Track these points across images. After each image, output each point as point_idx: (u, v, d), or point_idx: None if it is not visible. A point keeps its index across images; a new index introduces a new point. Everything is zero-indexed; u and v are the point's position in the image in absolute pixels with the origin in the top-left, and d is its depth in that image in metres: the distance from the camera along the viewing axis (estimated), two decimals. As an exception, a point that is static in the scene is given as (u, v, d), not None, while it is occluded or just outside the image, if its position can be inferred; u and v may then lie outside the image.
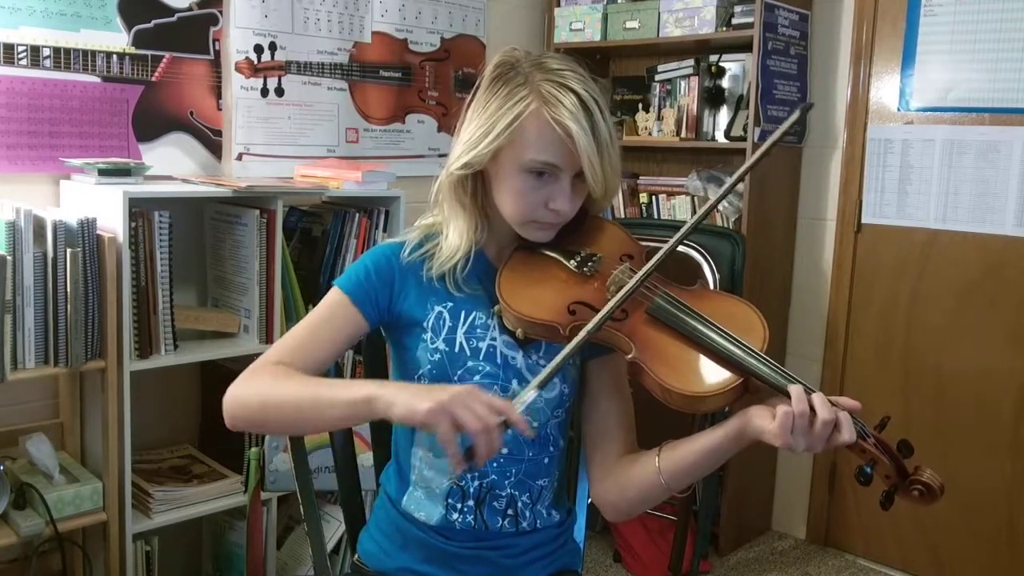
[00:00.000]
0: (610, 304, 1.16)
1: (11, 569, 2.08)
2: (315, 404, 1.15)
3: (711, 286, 2.59)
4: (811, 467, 3.12)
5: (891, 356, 2.91)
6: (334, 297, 1.28)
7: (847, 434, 1.08)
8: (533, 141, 1.19)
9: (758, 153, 1.23)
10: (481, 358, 1.27)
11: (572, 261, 1.28)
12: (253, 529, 2.27)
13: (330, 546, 2.38)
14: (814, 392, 1.09)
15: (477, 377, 1.26)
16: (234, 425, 1.21)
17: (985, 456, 2.72)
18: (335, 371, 1.50)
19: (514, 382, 1.27)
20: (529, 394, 1.10)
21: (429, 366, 1.27)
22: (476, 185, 1.28)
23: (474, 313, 1.29)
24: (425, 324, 1.28)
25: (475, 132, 1.23)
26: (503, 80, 1.23)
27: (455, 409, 1.03)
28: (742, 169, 1.27)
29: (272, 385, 1.18)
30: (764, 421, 1.10)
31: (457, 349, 1.27)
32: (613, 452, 1.30)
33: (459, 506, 1.30)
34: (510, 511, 1.31)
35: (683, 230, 1.19)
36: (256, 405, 1.19)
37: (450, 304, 1.29)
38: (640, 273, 1.18)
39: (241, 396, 1.20)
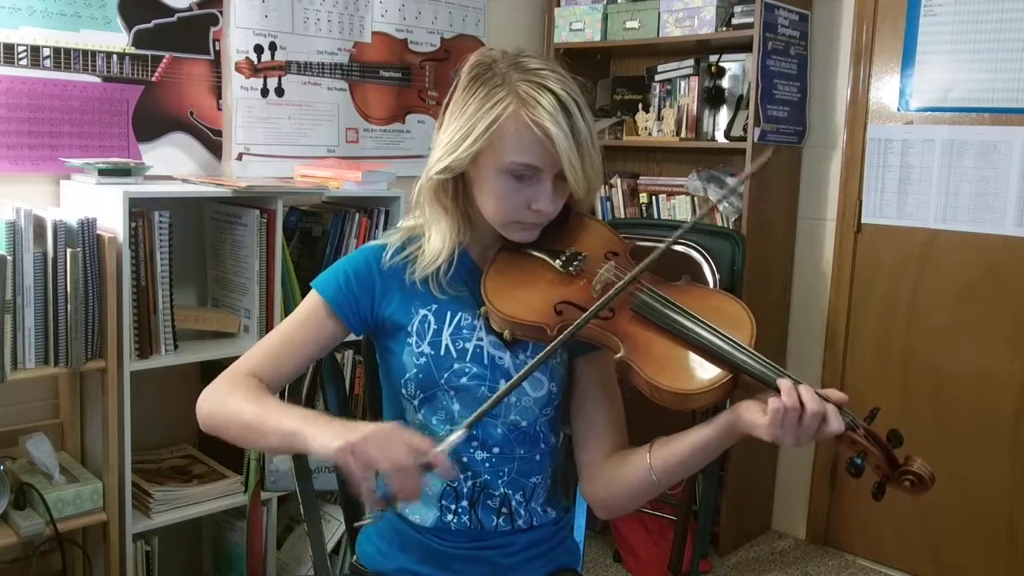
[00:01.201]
0: (590, 312, 1.15)
1: (11, 569, 2.09)
2: (257, 430, 1.16)
3: (711, 285, 2.59)
4: (811, 467, 3.11)
5: (891, 356, 2.91)
6: (313, 302, 1.28)
7: (835, 425, 1.08)
8: (513, 143, 1.18)
9: (741, 177, 1.22)
10: (468, 359, 1.26)
11: (557, 260, 1.27)
12: (253, 529, 2.27)
13: (330, 546, 2.38)
14: (801, 384, 1.09)
15: (464, 379, 1.26)
16: (204, 429, 1.23)
17: (985, 456, 2.72)
18: (334, 371, 1.50)
19: (502, 382, 1.26)
20: (457, 435, 1.08)
21: (415, 370, 1.27)
22: (457, 187, 1.27)
23: (460, 314, 1.28)
24: (409, 328, 1.28)
25: (454, 135, 1.22)
26: (480, 81, 1.21)
27: (367, 449, 1.02)
28: (703, 211, 1.25)
29: (228, 402, 1.20)
30: (754, 416, 1.10)
31: (443, 352, 1.26)
32: (603, 450, 1.30)
33: (453, 507, 1.30)
34: (504, 510, 1.31)
35: (658, 251, 1.19)
36: (214, 419, 1.21)
37: (435, 307, 1.28)
38: (612, 291, 1.17)
39: (205, 407, 1.22)
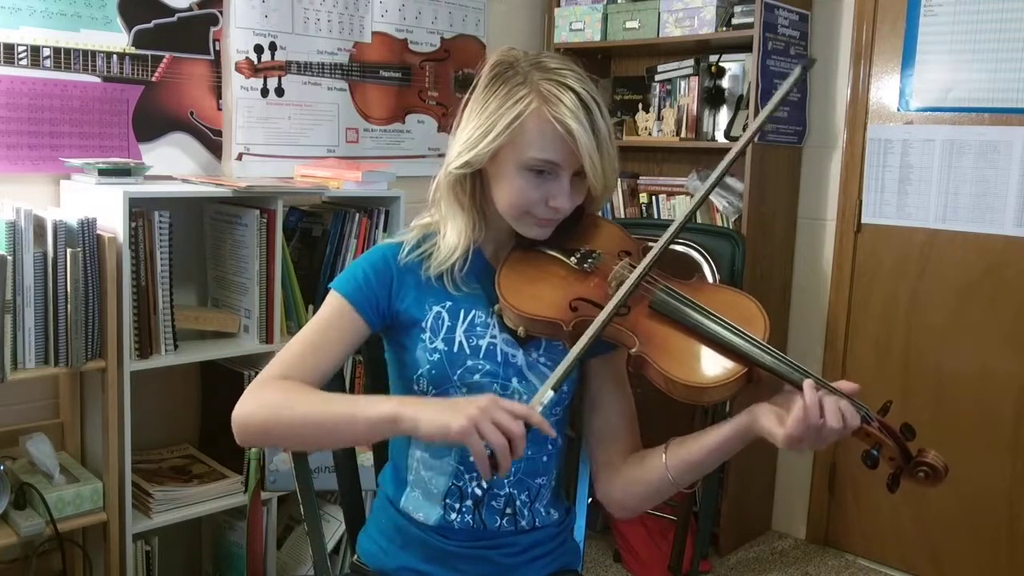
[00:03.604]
0: (619, 295, 1.17)
1: (11, 569, 2.08)
2: (334, 423, 1.14)
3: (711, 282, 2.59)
4: (811, 467, 3.12)
5: (891, 356, 2.91)
6: (334, 303, 1.27)
7: (852, 421, 1.09)
8: (534, 140, 1.20)
9: (767, 109, 1.24)
10: (481, 356, 1.27)
11: (572, 258, 1.28)
12: (253, 529, 2.27)
13: (330, 546, 2.39)
14: (826, 394, 1.09)
15: (477, 376, 1.26)
16: (245, 443, 1.21)
17: (985, 456, 2.72)
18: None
19: (514, 380, 1.27)
20: (546, 395, 1.10)
21: (428, 366, 1.27)
22: (474, 184, 1.28)
23: (473, 312, 1.29)
24: (424, 324, 1.28)
25: (475, 131, 1.23)
26: (502, 79, 1.23)
27: (482, 424, 1.03)
28: (753, 126, 1.25)
29: (284, 403, 1.16)
30: (772, 424, 1.10)
31: (456, 348, 1.27)
32: (619, 450, 1.30)
33: (457, 506, 1.30)
34: (508, 510, 1.31)
35: (689, 210, 1.20)
36: (269, 424, 1.17)
37: (449, 303, 1.29)
38: (645, 260, 1.19)
39: (252, 415, 1.18)
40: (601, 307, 1.19)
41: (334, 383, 1.49)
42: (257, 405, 1.18)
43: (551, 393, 1.10)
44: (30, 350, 1.91)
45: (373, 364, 1.48)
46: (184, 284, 2.35)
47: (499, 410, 1.04)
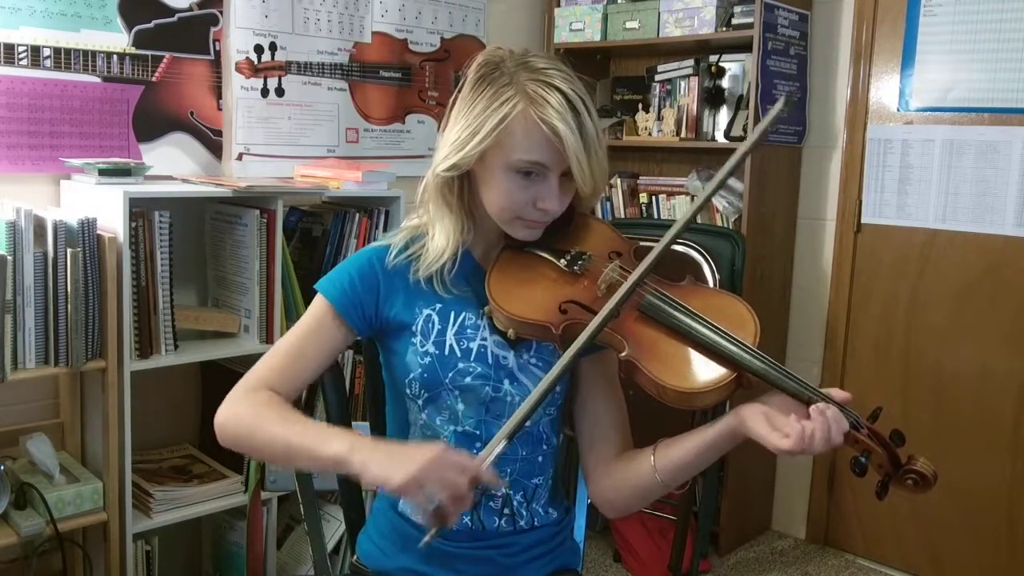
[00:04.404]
0: (605, 310, 1.15)
1: (11, 569, 2.09)
2: (292, 452, 1.15)
3: (711, 285, 2.59)
4: (811, 467, 3.12)
5: (891, 356, 2.91)
6: (319, 307, 1.28)
7: (843, 426, 1.09)
8: (521, 141, 1.19)
9: (747, 143, 1.22)
10: (472, 359, 1.26)
11: (562, 260, 1.27)
12: (253, 529, 2.27)
13: (330, 546, 2.39)
14: (827, 406, 1.09)
15: (468, 379, 1.26)
16: (224, 446, 1.22)
17: (985, 456, 2.72)
18: (334, 370, 1.50)
19: (506, 382, 1.27)
20: (498, 446, 1.09)
21: (420, 370, 1.26)
22: (462, 185, 1.27)
23: (463, 314, 1.28)
24: (414, 328, 1.27)
25: (461, 133, 1.22)
26: (488, 80, 1.21)
27: (427, 481, 1.03)
28: (730, 162, 1.22)
29: (255, 423, 1.18)
30: (761, 428, 1.10)
31: (447, 351, 1.26)
32: (609, 450, 1.30)
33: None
34: (506, 510, 1.31)
35: (672, 231, 1.19)
36: (242, 439, 1.20)
37: (438, 306, 1.28)
38: (632, 278, 1.18)
39: (228, 426, 1.20)
40: (590, 309, 1.18)
41: (335, 383, 1.50)
42: (234, 417, 1.20)
43: (504, 444, 1.09)
44: (30, 350, 1.91)
45: (373, 364, 1.48)
46: (184, 284, 2.35)
47: (446, 466, 1.04)
